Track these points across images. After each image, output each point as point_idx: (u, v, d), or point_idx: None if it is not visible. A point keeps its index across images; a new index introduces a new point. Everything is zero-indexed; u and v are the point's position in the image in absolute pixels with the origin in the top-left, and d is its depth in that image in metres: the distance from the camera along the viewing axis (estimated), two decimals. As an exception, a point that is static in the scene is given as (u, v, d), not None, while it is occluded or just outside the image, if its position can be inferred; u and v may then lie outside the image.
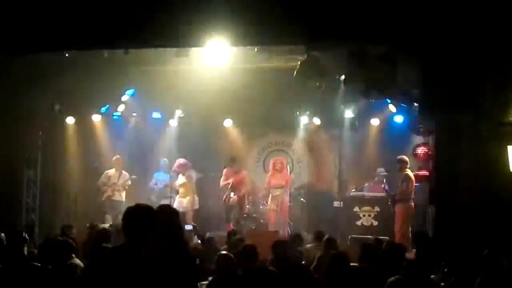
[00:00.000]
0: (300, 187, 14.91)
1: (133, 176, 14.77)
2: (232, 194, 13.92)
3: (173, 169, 14.23)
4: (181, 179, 14.10)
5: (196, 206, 14.22)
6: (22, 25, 10.13)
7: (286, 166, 14.11)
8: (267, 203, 14.02)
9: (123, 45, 11.17)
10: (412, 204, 12.31)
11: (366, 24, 9.65)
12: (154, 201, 14.93)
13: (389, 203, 12.71)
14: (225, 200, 14.04)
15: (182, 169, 14.05)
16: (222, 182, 14.20)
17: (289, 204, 13.85)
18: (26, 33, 10.17)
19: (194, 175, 14.25)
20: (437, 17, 9.37)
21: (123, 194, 14.47)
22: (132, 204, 4.56)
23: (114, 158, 14.58)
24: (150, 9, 9.98)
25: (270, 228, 13.50)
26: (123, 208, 14.07)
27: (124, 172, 14.59)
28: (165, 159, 15.08)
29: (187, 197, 14.07)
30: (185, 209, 13.84)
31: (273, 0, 9.76)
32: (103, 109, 15.02)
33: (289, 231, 13.29)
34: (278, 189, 13.69)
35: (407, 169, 12.50)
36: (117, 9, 9.98)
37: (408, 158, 12.59)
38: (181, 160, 14.12)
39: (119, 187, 14.41)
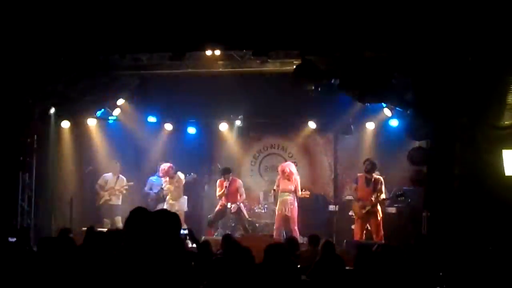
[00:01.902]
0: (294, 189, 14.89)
1: (131, 183, 14.82)
2: (229, 205, 13.98)
3: (159, 174, 14.25)
4: (169, 183, 14.12)
5: (185, 209, 14.29)
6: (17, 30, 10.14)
7: (294, 172, 13.96)
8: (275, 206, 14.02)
9: (119, 49, 11.19)
10: None
11: (361, 31, 9.68)
12: (151, 205, 14.96)
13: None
14: (221, 209, 14.11)
15: (169, 174, 14.07)
16: (218, 193, 14.24)
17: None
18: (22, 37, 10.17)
19: (182, 177, 14.26)
20: (432, 23, 9.40)
21: (120, 198, 14.58)
22: (129, 208, 4.56)
23: (113, 162, 14.67)
24: (146, 13, 9.99)
25: (275, 232, 13.50)
26: (120, 212, 14.24)
27: (121, 176, 14.69)
28: (161, 163, 15.10)
29: (178, 200, 14.10)
30: (177, 212, 13.84)
31: (269, 5, 9.78)
32: (98, 113, 15.00)
33: (284, 235, 13.28)
34: (286, 193, 13.63)
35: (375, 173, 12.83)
36: (113, 14, 9.99)
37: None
38: (166, 165, 14.13)
39: (117, 191, 14.52)
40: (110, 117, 15.25)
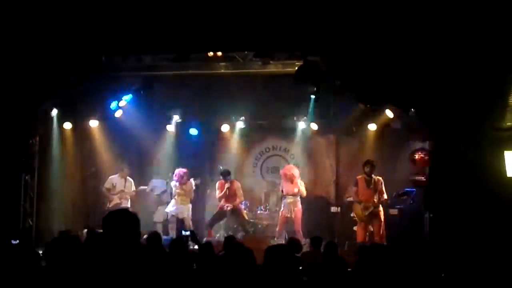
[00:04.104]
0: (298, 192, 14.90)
1: (144, 187, 14.78)
2: (228, 207, 14.05)
3: (173, 178, 14.22)
4: (180, 188, 14.11)
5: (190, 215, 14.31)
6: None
7: (296, 175, 13.93)
8: (281, 208, 13.96)
9: (122, 50, 11.20)
10: None
11: (363, 32, 9.68)
12: (151, 207, 14.97)
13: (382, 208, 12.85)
14: (220, 211, 14.15)
15: (182, 179, 14.06)
16: (218, 195, 14.28)
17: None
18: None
19: (193, 184, 14.25)
20: (435, 25, 9.40)
21: (129, 201, 14.48)
22: (136, 210, 4.55)
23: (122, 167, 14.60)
24: (149, 15, 10.00)
25: (276, 234, 13.52)
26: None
27: (129, 178, 14.56)
28: (163, 164, 15.11)
29: (187, 205, 14.11)
30: (186, 215, 13.95)
31: (272, 7, 9.78)
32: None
33: (286, 237, 13.28)
34: (290, 196, 13.62)
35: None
36: (116, 15, 10.00)
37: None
38: (181, 171, 14.12)
39: (127, 194, 14.42)
40: (112, 118, 15.14)
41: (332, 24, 9.76)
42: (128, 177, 14.56)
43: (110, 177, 14.54)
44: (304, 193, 13.70)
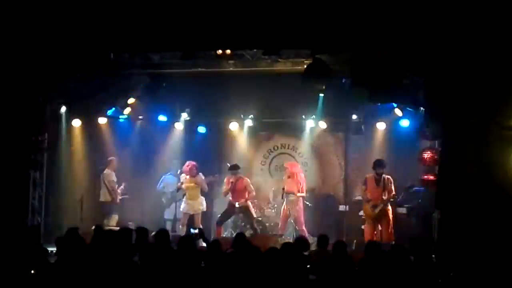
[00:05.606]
0: (306, 190, 14.90)
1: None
2: (237, 204, 13.96)
3: (182, 170, 14.20)
4: (190, 181, 14.08)
5: (204, 209, 14.26)
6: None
7: (298, 173, 13.94)
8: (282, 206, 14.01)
9: (130, 48, 11.21)
10: None
11: (372, 30, 9.65)
12: (164, 203, 14.96)
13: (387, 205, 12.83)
14: (229, 208, 14.14)
15: (192, 172, 14.03)
16: (224, 191, 14.26)
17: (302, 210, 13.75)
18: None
19: (202, 177, 14.21)
20: (444, 23, 9.37)
21: None
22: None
23: (110, 159, 14.51)
24: (157, 12, 10.01)
25: (279, 231, 13.53)
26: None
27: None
28: (174, 161, 15.12)
29: (196, 200, 14.09)
30: (195, 211, 13.93)
31: (280, 4, 9.77)
32: (109, 112, 14.98)
33: (295, 235, 13.29)
34: (291, 194, 13.63)
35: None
36: (124, 13, 10.02)
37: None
38: (190, 163, 14.09)
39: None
40: (120, 116, 15.25)
41: (341, 22, 9.74)
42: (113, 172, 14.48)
43: (108, 172, 14.40)
44: (304, 191, 13.70)
